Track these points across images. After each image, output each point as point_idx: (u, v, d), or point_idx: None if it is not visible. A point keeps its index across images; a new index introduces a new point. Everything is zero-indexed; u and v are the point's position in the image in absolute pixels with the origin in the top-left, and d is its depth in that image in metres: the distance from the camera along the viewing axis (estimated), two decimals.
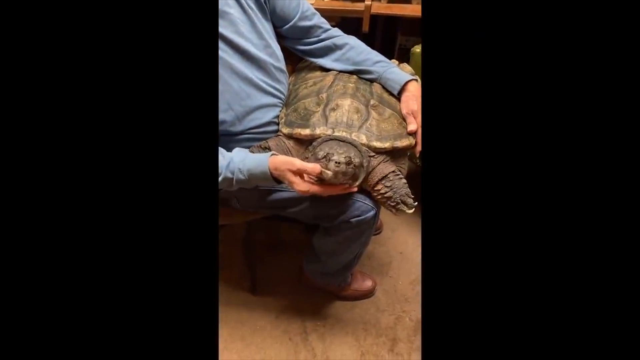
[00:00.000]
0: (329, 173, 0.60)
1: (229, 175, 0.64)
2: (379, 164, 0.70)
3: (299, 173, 0.62)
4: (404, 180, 0.70)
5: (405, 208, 0.68)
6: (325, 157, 0.62)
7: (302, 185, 0.62)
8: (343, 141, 0.65)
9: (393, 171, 0.70)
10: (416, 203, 0.69)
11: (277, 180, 0.64)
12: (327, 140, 0.66)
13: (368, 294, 1.03)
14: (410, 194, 0.70)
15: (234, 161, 0.65)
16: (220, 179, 0.64)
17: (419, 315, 1.00)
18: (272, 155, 0.64)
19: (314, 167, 0.61)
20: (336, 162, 0.60)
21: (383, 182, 0.69)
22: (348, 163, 0.61)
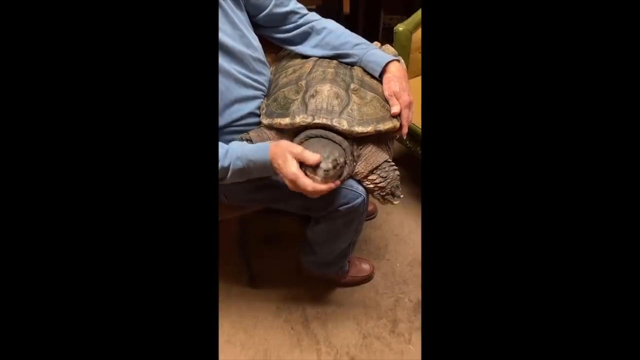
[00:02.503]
0: (318, 179, 0.60)
1: (225, 164, 0.63)
2: (370, 153, 0.69)
3: (298, 159, 0.61)
4: (398, 172, 0.70)
5: (392, 199, 0.69)
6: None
7: (302, 180, 0.60)
8: (325, 137, 0.64)
9: (387, 160, 0.70)
10: (402, 196, 0.71)
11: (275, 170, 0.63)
12: (308, 140, 0.65)
13: (366, 278, 1.03)
14: (400, 185, 0.70)
15: (233, 148, 0.63)
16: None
17: (418, 296, 1.01)
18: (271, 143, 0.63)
19: (314, 158, 0.60)
20: (325, 170, 0.59)
21: (378, 172, 0.69)
22: (335, 167, 0.60)
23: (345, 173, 0.66)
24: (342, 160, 0.62)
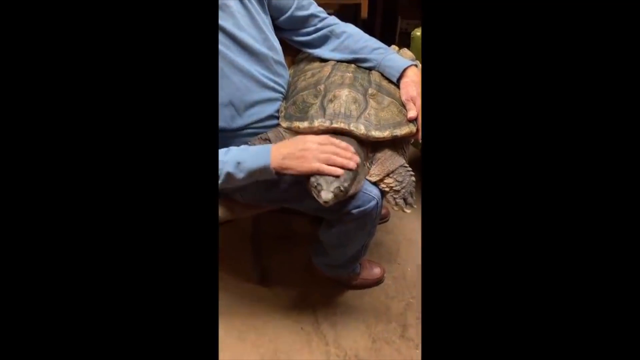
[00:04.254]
0: (321, 203, 0.61)
1: (229, 168, 0.64)
2: (386, 157, 0.70)
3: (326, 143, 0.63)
4: (414, 178, 0.71)
5: (404, 206, 0.70)
6: (315, 187, 0.61)
7: (315, 150, 0.61)
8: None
9: (403, 164, 0.70)
10: (415, 206, 0.72)
11: (280, 169, 0.64)
12: None
13: (377, 281, 1.04)
14: (414, 192, 0.70)
15: (231, 153, 0.65)
16: (221, 176, 0.65)
17: None
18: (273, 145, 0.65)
19: (347, 146, 0.63)
20: (325, 201, 0.60)
21: (394, 176, 0.70)
22: (337, 194, 0.60)
23: (359, 180, 0.66)
24: (346, 185, 0.61)
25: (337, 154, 0.62)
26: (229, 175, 0.64)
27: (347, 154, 0.63)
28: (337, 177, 0.61)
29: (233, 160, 0.64)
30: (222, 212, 0.81)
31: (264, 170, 0.64)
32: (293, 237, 1.17)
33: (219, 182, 0.65)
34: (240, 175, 0.65)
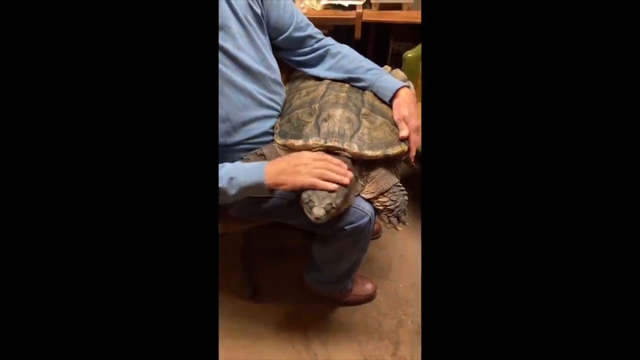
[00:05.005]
0: (312, 219, 0.61)
1: (222, 184, 0.64)
2: (380, 175, 0.71)
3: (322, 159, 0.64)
4: (407, 197, 0.72)
5: (397, 224, 0.71)
6: (307, 203, 0.61)
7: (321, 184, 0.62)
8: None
9: (396, 184, 0.72)
10: (407, 223, 0.73)
11: (274, 185, 0.65)
12: None
13: (369, 298, 1.03)
14: (407, 211, 0.72)
15: (224, 169, 0.66)
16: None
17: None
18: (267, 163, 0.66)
19: (340, 162, 0.63)
20: (316, 218, 0.60)
21: (389, 195, 0.71)
22: (329, 211, 0.61)
23: (351, 198, 0.67)
24: (338, 202, 0.62)
25: (330, 170, 0.63)
26: (221, 190, 0.65)
27: (341, 170, 0.64)
28: (331, 192, 0.61)
29: (226, 175, 0.65)
30: None
31: (258, 186, 0.65)
32: (285, 251, 1.17)
33: None
34: (232, 191, 0.65)
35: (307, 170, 0.63)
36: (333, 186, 0.62)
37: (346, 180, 0.63)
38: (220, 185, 0.65)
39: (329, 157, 0.66)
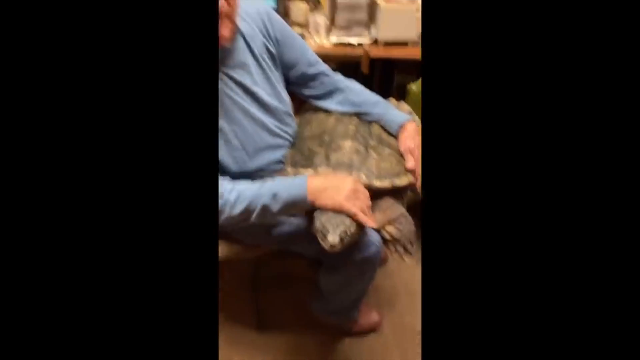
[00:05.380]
0: (327, 248, 0.60)
1: (265, 201, 0.63)
2: (387, 205, 0.73)
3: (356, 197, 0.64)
4: (414, 228, 0.73)
5: (403, 254, 0.71)
6: (321, 230, 0.61)
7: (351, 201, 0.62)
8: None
9: (403, 213, 0.73)
10: (413, 255, 0.73)
11: (314, 201, 0.63)
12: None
13: (374, 328, 1.02)
14: (414, 242, 0.72)
15: (266, 185, 0.64)
16: (256, 210, 0.64)
17: None
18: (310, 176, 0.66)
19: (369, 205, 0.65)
20: (331, 245, 0.59)
21: (396, 224, 0.72)
22: (343, 238, 0.60)
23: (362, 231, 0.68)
24: (352, 229, 0.62)
25: (368, 206, 0.66)
26: (264, 207, 0.63)
27: (369, 212, 0.66)
28: (350, 219, 0.61)
29: (269, 192, 0.63)
30: (221, 252, 0.82)
31: (301, 201, 0.64)
32: (287, 279, 1.16)
33: (253, 216, 0.64)
34: (276, 207, 0.63)
35: (353, 198, 0.63)
36: (372, 223, 0.64)
37: (372, 225, 0.66)
38: (263, 202, 0.63)
39: (366, 192, 0.67)
